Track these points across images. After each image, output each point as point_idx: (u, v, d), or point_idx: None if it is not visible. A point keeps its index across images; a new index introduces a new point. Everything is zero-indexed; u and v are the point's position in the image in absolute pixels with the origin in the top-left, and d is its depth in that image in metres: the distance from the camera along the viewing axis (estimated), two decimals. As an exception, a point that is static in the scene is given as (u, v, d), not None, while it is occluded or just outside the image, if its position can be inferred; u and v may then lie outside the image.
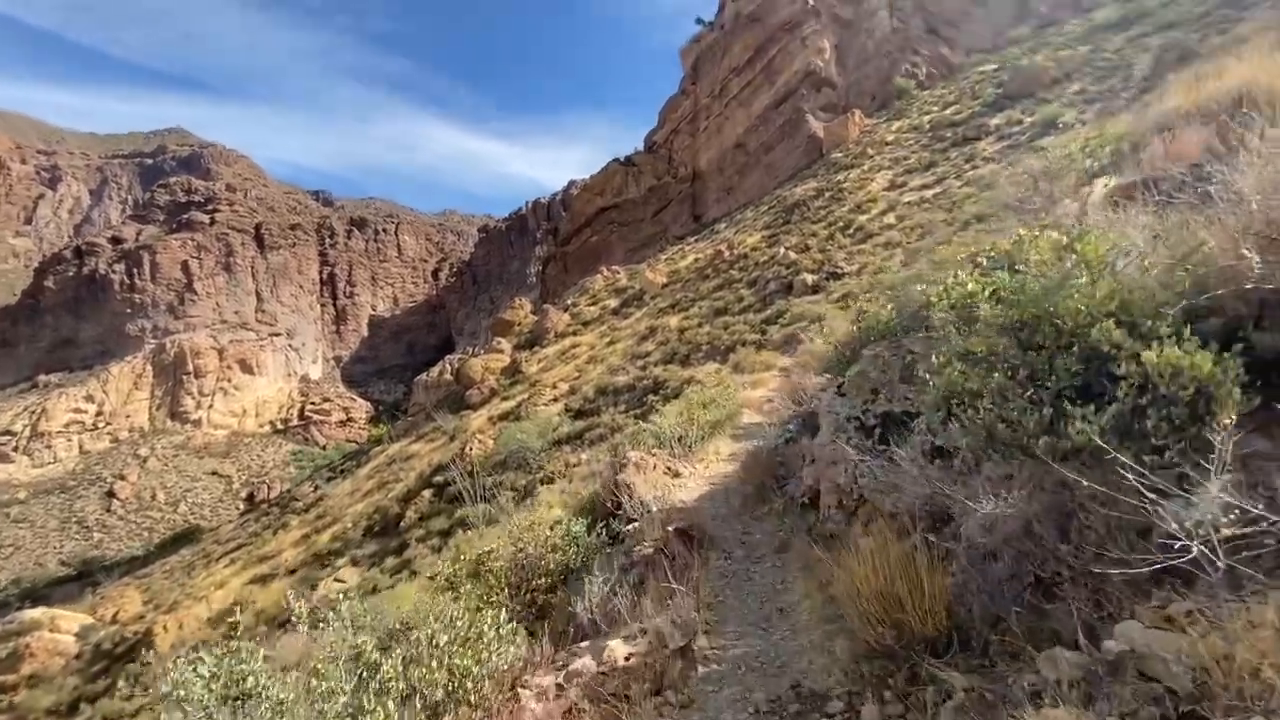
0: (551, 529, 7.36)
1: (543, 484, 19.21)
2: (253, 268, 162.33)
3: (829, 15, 64.27)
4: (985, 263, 4.09)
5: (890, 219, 31.27)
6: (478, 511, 17.20)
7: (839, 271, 24.40)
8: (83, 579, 58.16)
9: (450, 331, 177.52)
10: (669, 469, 8.35)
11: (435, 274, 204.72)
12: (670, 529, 5.68)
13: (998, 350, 3.23)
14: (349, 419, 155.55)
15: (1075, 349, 2.82)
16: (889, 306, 6.14)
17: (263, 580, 23.56)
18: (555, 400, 26.95)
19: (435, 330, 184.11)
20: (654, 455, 8.65)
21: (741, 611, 4.84)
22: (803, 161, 57.97)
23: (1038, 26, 64.53)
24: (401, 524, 22.80)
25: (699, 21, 71.07)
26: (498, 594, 6.63)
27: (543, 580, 6.89)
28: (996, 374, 3.09)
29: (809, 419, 6.72)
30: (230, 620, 19.99)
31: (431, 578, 7.52)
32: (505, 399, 30.84)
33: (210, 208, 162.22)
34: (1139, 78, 35.77)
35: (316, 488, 34.62)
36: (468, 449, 24.61)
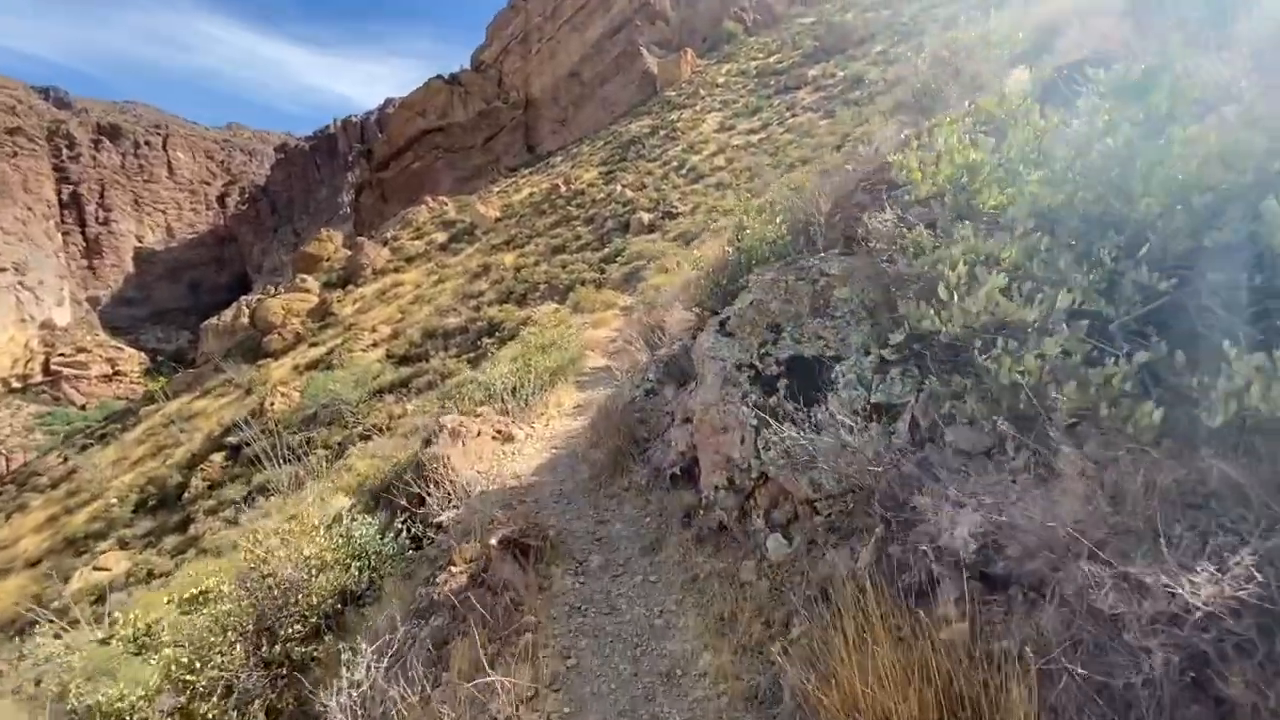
0: (325, 533, 5.11)
1: (362, 439, 17.31)
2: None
3: (664, -56, 62.63)
4: (959, 129, 2.98)
5: (720, 160, 31.97)
6: (281, 475, 15.09)
7: (674, 210, 24.43)
8: None
9: (245, 268, 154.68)
10: (499, 432, 6.96)
11: (221, 200, 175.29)
12: (493, 542, 4.00)
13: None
14: (116, 372, 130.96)
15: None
16: (778, 220, 4.89)
17: (-9, 577, 18.86)
18: (375, 345, 24.40)
19: (226, 267, 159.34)
20: (479, 417, 7.15)
21: (606, 684, 3.16)
22: (638, 97, 57.15)
23: (849, -15, 68.86)
24: (185, 495, 19.50)
25: (528, -70, 65.25)
26: (223, 653, 4.33)
27: (298, 625, 4.53)
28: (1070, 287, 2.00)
29: (672, 364, 5.63)
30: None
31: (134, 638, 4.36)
32: (314, 345, 27.35)
33: None
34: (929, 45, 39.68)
35: (66, 458, 28.26)
36: (268, 403, 21.51)
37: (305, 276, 34.71)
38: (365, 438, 17.43)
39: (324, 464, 17.01)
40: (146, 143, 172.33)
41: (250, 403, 23.62)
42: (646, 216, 25.59)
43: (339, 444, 17.71)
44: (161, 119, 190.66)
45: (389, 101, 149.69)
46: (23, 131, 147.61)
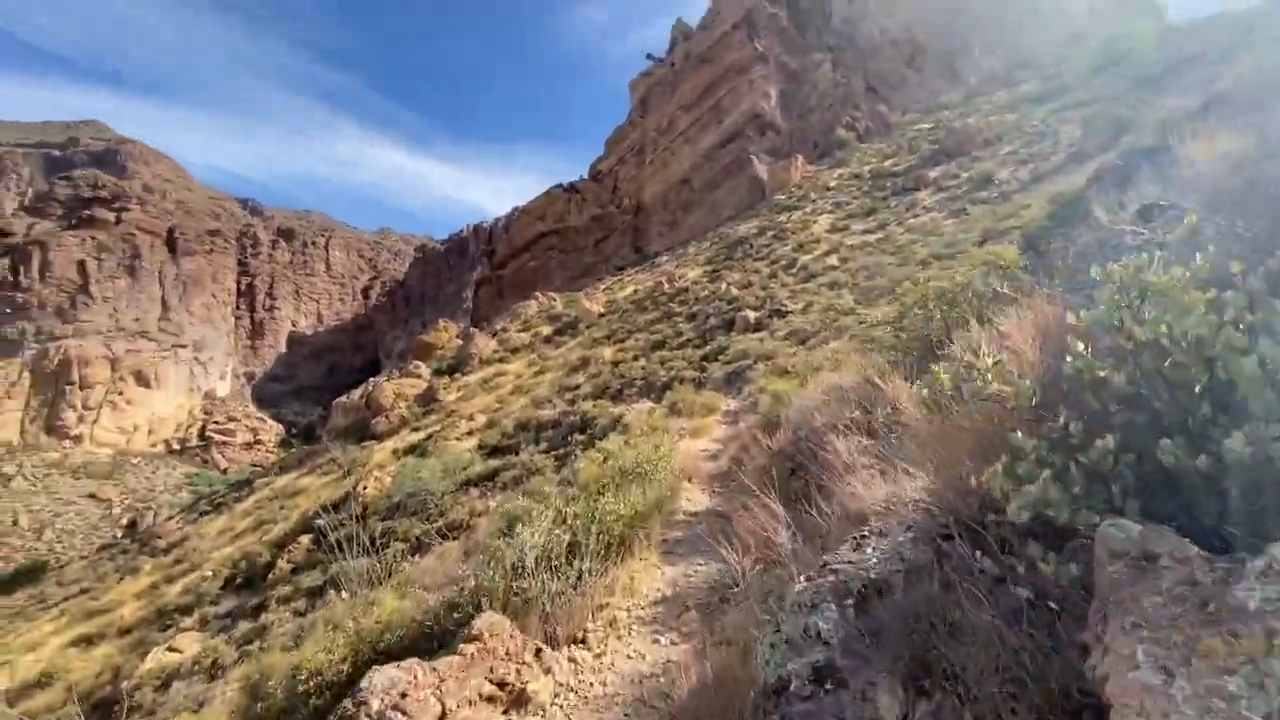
0: None
1: (440, 536, 16.37)
2: (160, 273, 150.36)
3: (776, 63, 65.72)
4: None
5: (833, 260, 30.59)
6: (354, 567, 14.21)
7: (783, 309, 23.04)
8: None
9: (378, 354, 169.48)
10: (503, 686, 3.85)
11: (366, 292, 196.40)
12: None
13: None
14: (257, 441, 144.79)
15: None
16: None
17: (87, 642, 19.25)
18: (470, 434, 24.12)
19: (361, 351, 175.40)
20: (465, 660, 3.83)
21: None
22: (746, 201, 58.09)
23: (967, 95, 68.29)
24: (270, 576, 19.25)
25: (649, 57, 71.44)
26: None
27: None
28: None
29: (864, 604, 2.24)
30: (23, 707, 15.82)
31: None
32: (415, 429, 27.68)
33: (118, 205, 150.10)
34: (1065, 143, 37.43)
35: (181, 525, 29.88)
36: (360, 486, 21.39)
37: (419, 363, 36.23)
38: (444, 534, 16.50)
39: (401, 558, 16.12)
40: (312, 243, 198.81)
41: (348, 484, 23.78)
42: (752, 315, 24.37)
43: (418, 538, 16.88)
44: (329, 224, 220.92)
45: (515, 209, 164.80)
46: (220, 234, 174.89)
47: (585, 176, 70.31)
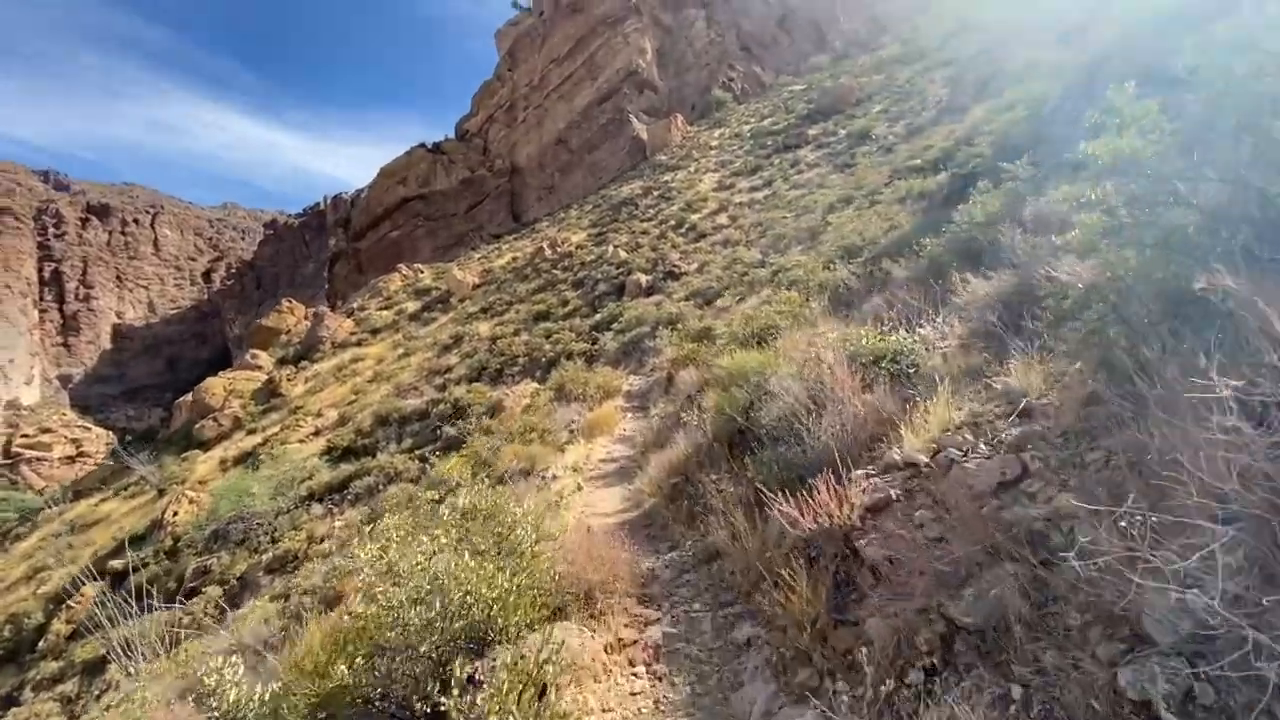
0: None
1: (268, 573, 12.84)
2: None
3: (650, 17, 63.03)
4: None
5: (723, 219, 29.05)
6: (127, 636, 10.40)
7: (677, 270, 20.95)
8: None
9: (226, 343, 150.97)
10: None
11: (207, 276, 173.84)
12: None
13: None
14: (80, 453, 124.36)
15: None
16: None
17: None
18: (317, 434, 20.15)
19: (206, 342, 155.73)
20: None
21: None
22: (627, 163, 55.57)
23: (834, 58, 69.67)
24: (40, 644, 14.70)
25: (515, 5, 65.87)
26: None
27: None
28: None
29: None
30: None
31: None
32: (251, 432, 23.05)
33: None
34: (933, 100, 38.29)
35: (-62, 577, 23.16)
36: (169, 513, 17.02)
37: (257, 352, 30.70)
38: (273, 569, 12.97)
39: (210, 612, 12.51)
40: (135, 220, 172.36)
41: (159, 508, 19.03)
42: (644, 278, 22.13)
43: (240, 578, 13.20)
44: (157, 199, 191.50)
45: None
46: (10, 211, 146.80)
47: (451, 137, 64.17)
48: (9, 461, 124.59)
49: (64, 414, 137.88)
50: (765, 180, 33.60)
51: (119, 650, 11.74)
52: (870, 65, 58.67)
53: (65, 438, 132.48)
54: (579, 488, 6.03)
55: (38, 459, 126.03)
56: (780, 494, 3.24)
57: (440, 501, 6.20)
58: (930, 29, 60.85)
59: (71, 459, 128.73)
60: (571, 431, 8.18)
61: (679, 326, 12.47)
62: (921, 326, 4.11)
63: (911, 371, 3.83)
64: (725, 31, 68.55)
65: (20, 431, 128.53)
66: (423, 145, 60.54)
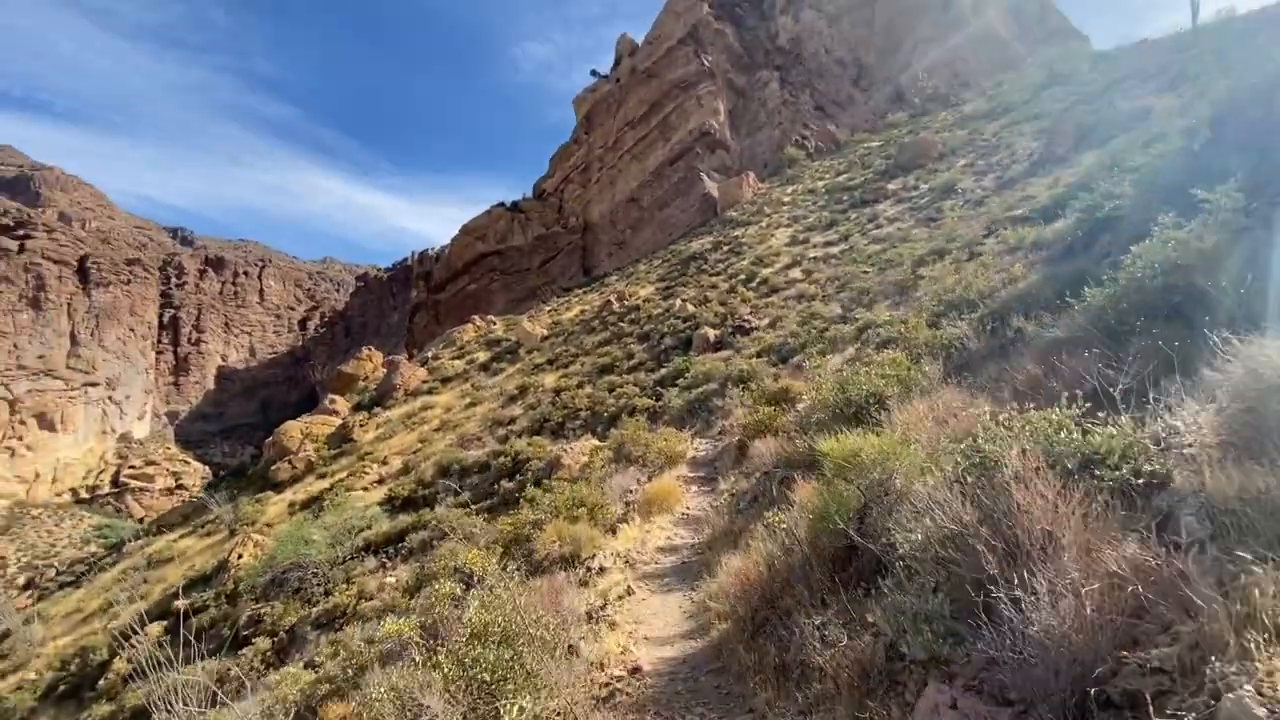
0: None
1: (315, 627, 12.40)
2: (70, 305, 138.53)
3: (723, 80, 64.54)
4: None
5: (796, 273, 28.13)
6: (189, 680, 10.00)
7: (747, 325, 20.07)
8: None
9: (314, 388, 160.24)
10: None
11: (303, 324, 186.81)
12: None
13: None
14: (179, 486, 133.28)
15: None
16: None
17: None
18: (380, 482, 20.11)
19: (297, 386, 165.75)
20: None
21: None
22: (697, 219, 55.95)
23: (912, 115, 68.73)
24: (99, 683, 14.74)
25: (594, 73, 69.30)
26: None
27: None
28: None
29: None
30: None
31: None
32: (322, 476, 23.38)
33: (21, 233, 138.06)
34: (1023, 153, 36.51)
35: (31, 601, 24.37)
36: (235, 555, 17.11)
37: (335, 397, 31.77)
38: (320, 624, 12.54)
39: (256, 666, 12.08)
40: (245, 272, 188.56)
41: (228, 549, 19.30)
42: (712, 332, 21.38)
43: (289, 630, 12.84)
44: (266, 253, 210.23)
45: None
46: (140, 263, 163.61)
47: (529, 196, 67.03)
48: (116, 490, 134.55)
49: (168, 448, 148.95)
50: (841, 235, 32.59)
51: (159, 703, 11.38)
52: (952, 120, 57.33)
53: (167, 470, 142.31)
54: (629, 591, 5.01)
55: (141, 489, 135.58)
56: (934, 670, 2.01)
57: (461, 599, 5.47)
58: (1015, 83, 59.19)
59: (171, 490, 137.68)
60: (627, 504, 7.19)
61: (751, 385, 11.45)
62: (1147, 411, 2.82)
63: (1149, 487, 2.56)
64: (799, 91, 69.23)
65: (128, 463, 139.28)
66: (502, 204, 63.59)
